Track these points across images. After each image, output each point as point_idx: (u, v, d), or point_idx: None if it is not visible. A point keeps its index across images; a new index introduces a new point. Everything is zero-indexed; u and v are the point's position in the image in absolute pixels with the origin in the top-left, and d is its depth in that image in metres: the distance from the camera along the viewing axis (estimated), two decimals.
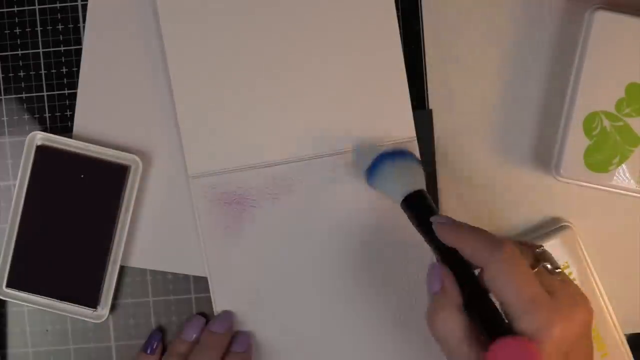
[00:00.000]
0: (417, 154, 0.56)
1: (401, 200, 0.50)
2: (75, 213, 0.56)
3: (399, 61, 0.56)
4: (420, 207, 0.49)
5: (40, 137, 0.55)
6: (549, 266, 0.44)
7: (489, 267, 0.42)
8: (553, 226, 0.56)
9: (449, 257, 0.45)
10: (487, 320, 0.42)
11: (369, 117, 0.56)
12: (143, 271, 0.58)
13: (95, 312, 0.56)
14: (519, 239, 0.56)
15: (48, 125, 0.58)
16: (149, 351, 0.56)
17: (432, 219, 0.47)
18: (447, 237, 0.45)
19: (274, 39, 0.56)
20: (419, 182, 0.51)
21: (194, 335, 0.55)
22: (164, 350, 0.57)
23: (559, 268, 0.45)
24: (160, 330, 0.57)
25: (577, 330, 0.42)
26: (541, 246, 0.46)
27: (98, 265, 0.56)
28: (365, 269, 0.56)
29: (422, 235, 0.48)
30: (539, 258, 0.45)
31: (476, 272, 0.45)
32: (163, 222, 0.57)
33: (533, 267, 0.44)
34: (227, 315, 0.56)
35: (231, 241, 0.56)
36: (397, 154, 0.53)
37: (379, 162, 0.53)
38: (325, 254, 0.56)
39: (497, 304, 0.43)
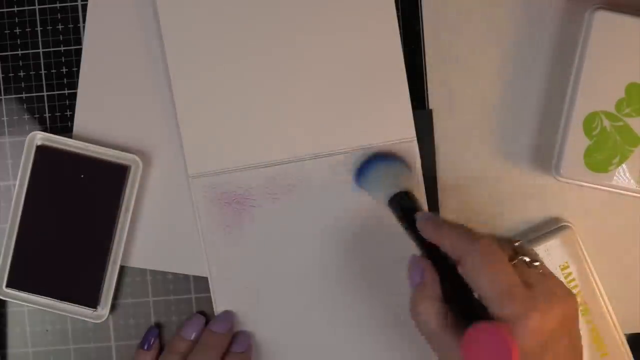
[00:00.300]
0: (417, 154, 0.56)
1: (387, 200, 0.51)
2: (75, 213, 0.56)
3: (399, 61, 0.56)
4: (405, 206, 0.50)
5: (40, 137, 0.55)
6: (527, 259, 0.45)
7: (465, 259, 0.43)
8: (553, 226, 0.56)
9: (431, 253, 0.46)
10: (465, 308, 0.43)
11: (369, 117, 0.56)
12: (143, 271, 0.58)
13: (95, 312, 0.56)
14: (519, 238, 0.56)
15: (48, 125, 0.58)
16: (145, 347, 0.56)
17: (415, 215, 0.48)
18: (428, 233, 0.47)
19: (274, 40, 0.56)
20: (405, 183, 0.52)
21: (194, 334, 0.55)
22: (161, 347, 0.57)
23: (538, 261, 0.45)
24: (157, 326, 0.57)
25: (554, 324, 0.42)
26: (519, 240, 0.47)
27: (98, 265, 0.56)
28: (365, 269, 0.56)
29: (407, 233, 0.49)
30: (518, 251, 0.45)
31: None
32: (163, 222, 0.57)
33: (511, 260, 0.44)
34: (228, 315, 0.56)
35: (231, 241, 0.56)
36: (384, 157, 0.54)
37: (368, 164, 0.54)
38: (325, 253, 0.56)
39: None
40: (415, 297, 0.45)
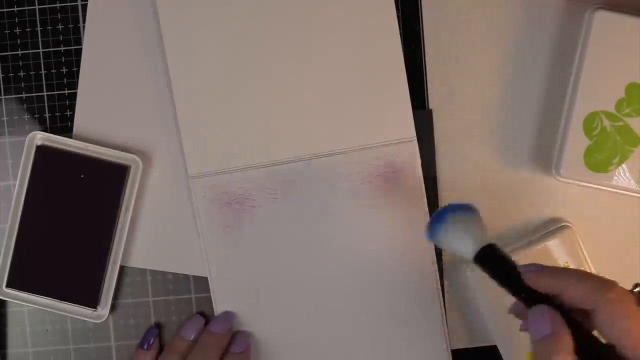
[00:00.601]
0: (417, 154, 0.56)
1: (473, 256, 0.47)
2: (75, 213, 0.56)
3: (399, 61, 0.56)
4: (497, 261, 0.47)
5: (40, 137, 0.55)
6: None
7: (600, 309, 0.42)
8: (553, 226, 0.56)
9: (542, 303, 0.44)
10: None
11: (369, 117, 0.56)
12: (143, 271, 0.58)
13: (95, 312, 0.56)
14: (520, 239, 0.56)
15: (48, 125, 0.58)
16: (145, 347, 0.56)
17: (520, 269, 0.45)
18: (546, 284, 0.44)
19: (274, 40, 0.56)
20: (486, 235, 0.48)
21: (193, 335, 0.55)
22: (161, 347, 0.57)
23: None
24: (157, 326, 0.57)
25: None
26: (638, 284, 0.45)
27: (98, 265, 0.56)
28: (364, 269, 0.56)
29: (504, 288, 0.46)
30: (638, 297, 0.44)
31: None
32: (163, 222, 0.57)
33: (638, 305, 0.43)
34: (228, 316, 0.56)
35: (231, 241, 0.56)
36: (458, 208, 0.49)
37: (441, 218, 0.49)
38: (324, 253, 0.56)
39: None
40: (547, 352, 0.42)
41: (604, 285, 0.42)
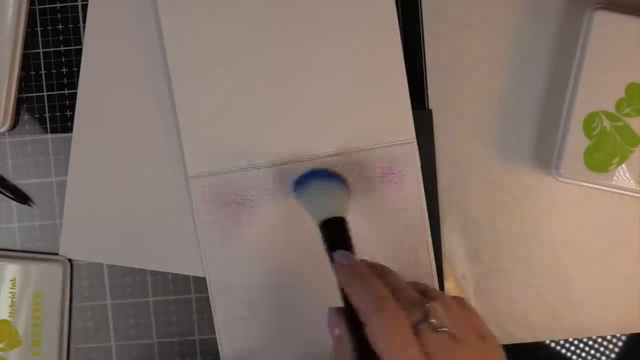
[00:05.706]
0: (417, 154, 0.56)
1: (319, 222, 0.50)
2: None
3: (399, 61, 0.56)
4: (335, 235, 0.49)
5: None
6: (434, 322, 0.43)
7: (369, 324, 0.42)
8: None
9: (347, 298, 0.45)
10: None
11: (369, 117, 0.56)
12: (143, 271, 0.58)
13: None
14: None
15: (48, 125, 0.58)
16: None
17: (335, 253, 0.47)
18: (341, 279, 0.46)
19: (274, 40, 0.56)
20: (341, 209, 0.50)
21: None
22: None
23: (445, 327, 0.43)
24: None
25: None
26: (434, 300, 0.44)
27: None
28: None
29: (331, 265, 0.47)
30: (427, 314, 0.43)
31: None
32: (163, 222, 0.57)
33: (419, 323, 0.42)
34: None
35: (230, 241, 0.56)
36: (326, 175, 0.53)
37: (307, 178, 0.52)
38: (323, 254, 0.56)
39: None
40: (335, 350, 0.45)
41: (376, 300, 0.43)
